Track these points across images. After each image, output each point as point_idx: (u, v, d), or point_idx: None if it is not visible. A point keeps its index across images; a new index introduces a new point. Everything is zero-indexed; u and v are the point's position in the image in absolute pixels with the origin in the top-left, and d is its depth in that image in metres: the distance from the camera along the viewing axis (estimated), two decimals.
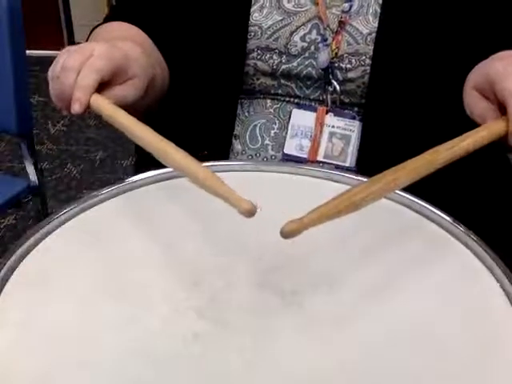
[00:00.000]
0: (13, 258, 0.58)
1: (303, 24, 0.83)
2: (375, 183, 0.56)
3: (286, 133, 0.85)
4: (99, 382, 0.48)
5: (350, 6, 0.82)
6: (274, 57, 0.84)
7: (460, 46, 0.80)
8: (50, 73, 0.71)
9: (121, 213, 0.66)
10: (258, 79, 0.85)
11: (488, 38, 0.79)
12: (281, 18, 0.83)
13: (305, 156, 0.84)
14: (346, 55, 0.82)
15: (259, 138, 0.86)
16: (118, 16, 0.89)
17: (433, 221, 0.65)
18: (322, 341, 0.51)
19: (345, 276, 0.58)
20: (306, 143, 0.84)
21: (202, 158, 0.59)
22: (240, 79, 0.85)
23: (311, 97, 0.85)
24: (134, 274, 0.58)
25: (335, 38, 0.82)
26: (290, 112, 0.85)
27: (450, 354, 0.50)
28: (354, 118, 0.84)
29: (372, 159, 0.82)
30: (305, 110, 0.85)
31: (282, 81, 0.85)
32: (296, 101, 0.86)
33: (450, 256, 0.61)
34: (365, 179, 0.68)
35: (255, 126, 0.86)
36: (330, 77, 0.83)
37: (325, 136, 0.84)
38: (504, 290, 0.56)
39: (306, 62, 0.84)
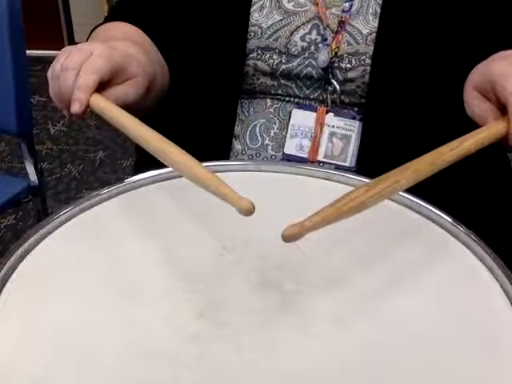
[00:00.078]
0: (13, 258, 0.58)
1: (303, 24, 0.83)
2: (378, 185, 0.56)
3: (286, 133, 0.85)
4: (99, 382, 0.48)
5: (350, 6, 0.82)
6: (274, 57, 0.84)
7: (460, 45, 0.80)
8: (49, 73, 0.71)
9: (121, 213, 0.66)
10: (257, 79, 0.85)
11: (488, 38, 0.79)
12: (281, 17, 0.83)
13: (305, 156, 0.84)
14: (345, 55, 0.82)
15: (259, 137, 0.86)
16: (118, 16, 0.89)
17: (433, 221, 0.65)
18: (322, 341, 0.51)
19: (346, 276, 0.58)
20: (306, 143, 0.84)
21: (202, 157, 0.59)
22: (240, 79, 0.85)
23: (311, 97, 0.85)
24: (133, 274, 0.58)
25: (335, 37, 0.82)
26: (290, 112, 0.85)
27: (451, 354, 0.50)
28: (354, 118, 0.84)
29: (372, 159, 0.82)
30: (305, 109, 0.85)
31: (282, 81, 0.85)
32: (296, 101, 0.86)
33: (450, 256, 0.61)
34: (365, 179, 0.68)
35: (255, 125, 0.86)
36: (330, 77, 0.83)
37: (325, 136, 0.84)
38: (504, 290, 0.56)
39: (306, 62, 0.84)
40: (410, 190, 0.62)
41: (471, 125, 0.67)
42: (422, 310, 0.55)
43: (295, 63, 0.84)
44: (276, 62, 0.84)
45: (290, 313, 0.54)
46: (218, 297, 0.55)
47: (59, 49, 0.75)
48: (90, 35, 0.88)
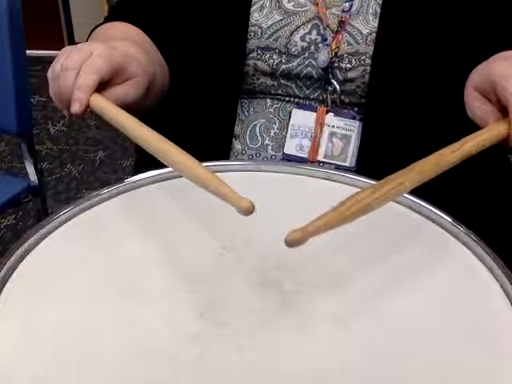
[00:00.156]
0: (13, 258, 0.58)
1: (303, 24, 0.83)
2: (384, 186, 0.56)
3: (286, 133, 0.85)
4: (99, 382, 0.48)
5: (350, 6, 0.82)
6: (274, 57, 0.84)
7: (460, 46, 0.80)
8: (49, 73, 0.71)
9: (121, 213, 0.66)
10: (257, 79, 0.85)
11: (489, 38, 0.79)
12: (281, 17, 0.83)
13: (305, 156, 0.84)
14: (345, 55, 0.82)
15: (259, 137, 0.86)
16: (118, 16, 0.89)
17: (433, 221, 0.65)
18: (322, 341, 0.51)
19: (346, 276, 0.58)
20: (306, 143, 0.84)
21: (202, 157, 0.59)
22: (240, 79, 0.85)
23: (311, 97, 0.85)
24: (133, 274, 0.58)
25: (335, 37, 0.82)
26: (290, 112, 0.85)
27: (451, 355, 0.50)
28: (354, 118, 0.84)
29: (372, 159, 0.82)
30: (305, 109, 0.85)
31: (282, 81, 0.85)
32: (296, 100, 0.86)
33: (450, 256, 0.61)
34: (365, 179, 0.68)
35: (255, 125, 0.86)
36: (330, 77, 0.83)
37: (325, 136, 0.84)
38: (504, 290, 0.56)
39: (306, 62, 0.84)
40: (410, 191, 0.62)
41: (471, 125, 0.67)
42: (422, 310, 0.55)
43: (295, 63, 0.84)
44: (276, 61, 0.84)
45: (290, 313, 0.54)
46: (218, 297, 0.55)
47: (59, 49, 0.75)
48: (89, 35, 0.88)
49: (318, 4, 0.83)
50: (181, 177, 0.62)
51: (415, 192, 0.63)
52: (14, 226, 2.12)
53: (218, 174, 0.56)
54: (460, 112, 0.70)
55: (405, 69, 0.81)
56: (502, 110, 0.65)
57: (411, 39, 0.80)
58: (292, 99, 0.86)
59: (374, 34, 0.81)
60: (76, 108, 0.67)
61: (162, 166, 0.64)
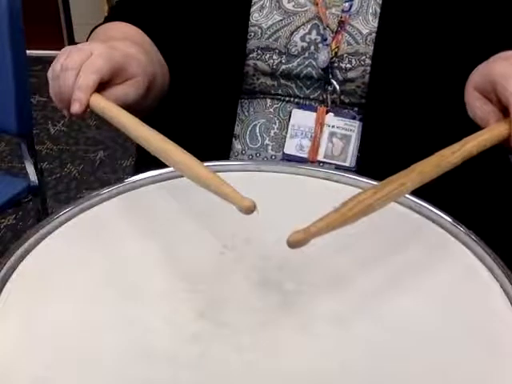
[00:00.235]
0: (13, 258, 0.58)
1: (303, 24, 0.83)
2: (385, 187, 0.56)
3: (286, 133, 0.85)
4: (99, 382, 0.48)
5: (350, 6, 0.82)
6: (274, 57, 0.84)
7: (461, 46, 0.80)
8: (49, 73, 0.71)
9: (121, 213, 0.66)
10: (257, 79, 0.85)
11: (489, 38, 0.79)
12: (281, 18, 0.83)
13: (305, 156, 0.84)
14: (345, 55, 0.82)
15: (259, 137, 0.86)
16: (118, 16, 0.89)
17: (433, 221, 0.65)
18: (322, 341, 0.51)
19: (346, 276, 0.58)
20: (306, 143, 0.84)
21: (202, 157, 0.59)
22: (240, 79, 0.85)
23: (311, 97, 0.85)
24: (133, 274, 0.58)
25: (335, 37, 0.82)
26: (290, 112, 0.85)
27: (451, 355, 0.50)
28: (354, 118, 0.84)
29: (372, 159, 0.82)
30: (305, 109, 0.85)
31: (282, 81, 0.85)
32: (296, 101, 0.86)
33: (450, 256, 0.61)
34: (365, 179, 0.68)
35: (255, 125, 0.86)
36: (330, 77, 0.83)
37: (325, 136, 0.84)
38: (504, 290, 0.56)
39: (306, 62, 0.84)
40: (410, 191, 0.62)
41: (472, 125, 0.67)
42: (422, 310, 0.55)
43: (295, 63, 0.84)
44: (276, 62, 0.84)
45: (290, 313, 0.54)
46: (218, 297, 0.55)
47: (59, 49, 0.75)
48: (89, 35, 0.88)
49: (317, 4, 0.83)
50: (181, 176, 0.62)
51: (415, 192, 0.63)
52: (14, 226, 2.12)
53: (218, 173, 0.56)
54: (460, 112, 0.70)
55: (405, 69, 0.81)
56: (503, 110, 0.65)
57: (411, 39, 0.80)
58: (292, 99, 0.86)
59: (374, 34, 0.81)
60: (76, 108, 0.67)
61: (162, 165, 0.64)
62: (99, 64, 0.68)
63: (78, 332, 0.52)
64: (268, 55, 0.84)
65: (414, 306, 0.55)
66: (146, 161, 0.67)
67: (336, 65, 0.82)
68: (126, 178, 0.70)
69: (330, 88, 0.84)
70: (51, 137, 2.68)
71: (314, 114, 0.84)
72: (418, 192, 0.63)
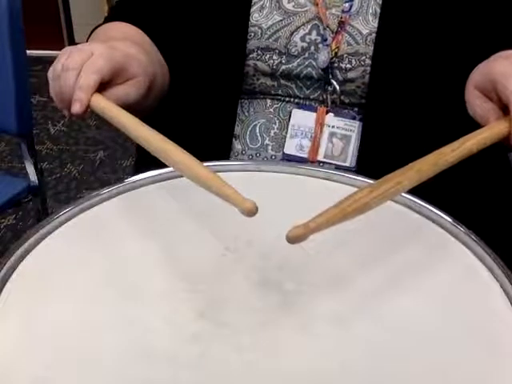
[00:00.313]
0: (13, 258, 0.58)
1: (303, 24, 0.83)
2: (382, 186, 0.56)
3: (286, 133, 0.85)
4: (99, 382, 0.48)
5: (350, 6, 0.82)
6: (274, 57, 0.84)
7: (461, 45, 0.80)
8: (50, 73, 0.71)
9: (121, 213, 0.66)
10: (257, 79, 0.85)
11: (489, 37, 0.79)
12: (281, 18, 0.83)
13: (305, 156, 0.84)
14: (345, 55, 0.82)
15: (259, 137, 0.86)
16: (118, 16, 0.89)
17: (433, 221, 0.65)
18: (322, 341, 0.51)
19: (346, 276, 0.58)
20: (306, 143, 0.84)
21: (202, 157, 0.59)
22: (240, 79, 0.85)
23: (311, 97, 0.85)
24: (134, 274, 0.58)
25: (335, 38, 0.82)
26: (290, 112, 0.85)
27: (451, 355, 0.50)
28: (354, 118, 0.84)
29: (372, 159, 0.82)
30: (305, 110, 0.85)
31: (282, 81, 0.85)
32: (296, 101, 0.86)
33: (450, 256, 0.61)
34: (365, 179, 0.68)
35: (255, 125, 0.86)
36: (330, 77, 0.83)
37: (325, 136, 0.84)
38: (504, 290, 0.56)
39: (306, 63, 0.84)
40: (410, 190, 0.62)
41: (472, 125, 0.67)
42: (422, 310, 0.55)
43: (295, 63, 0.84)
44: (276, 62, 0.84)
45: (290, 313, 0.54)
46: (218, 297, 0.55)
47: (59, 49, 0.75)
48: (90, 35, 0.89)
49: (317, 4, 0.83)
50: (181, 177, 0.62)
51: (415, 192, 0.63)
52: (14, 226, 2.12)
53: (218, 174, 0.56)
54: (460, 111, 0.71)
55: (405, 69, 0.81)
56: (503, 109, 0.66)
57: (411, 39, 0.80)
58: (292, 99, 0.86)
59: (374, 35, 0.81)
60: (77, 108, 0.67)
61: (162, 165, 0.64)
62: (100, 64, 0.68)
63: (78, 332, 0.52)
64: (268, 55, 0.84)
65: (414, 306, 0.55)
66: (146, 161, 0.67)
67: (336, 65, 0.82)
68: (126, 178, 0.70)
69: (329, 88, 0.84)
70: (51, 137, 2.68)
71: (314, 114, 0.84)
72: (417, 192, 0.63)
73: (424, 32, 0.80)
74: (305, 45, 0.83)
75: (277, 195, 0.69)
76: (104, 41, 0.76)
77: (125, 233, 0.63)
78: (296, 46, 0.83)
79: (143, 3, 0.90)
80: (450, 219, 0.64)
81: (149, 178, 0.71)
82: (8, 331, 0.52)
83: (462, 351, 0.51)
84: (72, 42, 3.32)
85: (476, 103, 0.68)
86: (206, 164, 0.58)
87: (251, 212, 0.51)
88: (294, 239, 0.49)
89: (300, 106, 0.85)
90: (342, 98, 0.84)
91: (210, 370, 0.48)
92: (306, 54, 0.83)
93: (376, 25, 0.81)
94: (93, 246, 0.61)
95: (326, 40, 0.82)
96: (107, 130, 2.61)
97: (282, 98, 0.86)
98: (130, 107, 0.70)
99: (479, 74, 0.69)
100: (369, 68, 0.81)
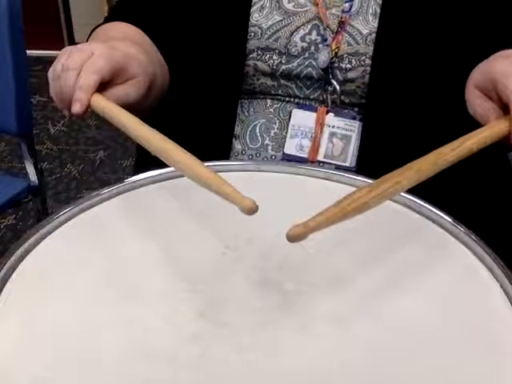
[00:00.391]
0: (13, 258, 0.58)
1: (303, 24, 0.83)
2: (381, 185, 0.56)
3: (286, 133, 0.85)
4: (99, 382, 0.48)
5: (350, 6, 0.82)
6: (274, 57, 0.84)
7: (461, 45, 0.80)
8: (50, 73, 0.71)
9: (121, 213, 0.66)
10: (258, 79, 0.85)
11: (489, 37, 0.79)
12: (281, 18, 0.83)
13: (305, 156, 0.84)
14: (345, 55, 0.82)
15: (259, 137, 0.86)
16: (118, 16, 0.89)
17: (433, 221, 0.65)
18: (322, 341, 0.51)
19: (346, 276, 0.58)
20: (307, 143, 0.84)
21: (202, 157, 0.59)
22: (240, 79, 0.85)
23: (311, 97, 0.85)
24: (134, 274, 0.58)
25: (335, 38, 0.82)
26: (290, 112, 0.85)
27: (451, 355, 0.50)
28: (354, 118, 0.84)
29: (372, 159, 0.82)
30: (305, 110, 0.85)
31: (282, 81, 0.85)
32: (296, 101, 0.86)
33: (450, 256, 0.61)
34: (365, 179, 0.68)
35: (255, 125, 0.86)
36: (330, 77, 0.83)
37: (325, 136, 0.84)
38: (504, 290, 0.56)
39: (306, 63, 0.84)
40: (410, 190, 0.62)
41: (473, 124, 0.67)
42: (422, 310, 0.55)
43: (295, 64, 0.84)
44: (276, 62, 0.84)
45: (290, 313, 0.54)
46: (218, 297, 0.55)
47: (59, 49, 0.75)
48: (90, 35, 0.89)
49: (317, 4, 0.83)
50: (181, 176, 0.62)
51: (415, 192, 0.64)
52: (14, 226, 2.12)
53: (218, 173, 0.56)
54: (461, 110, 0.71)
55: (405, 69, 0.81)
56: (503, 108, 0.66)
57: (411, 39, 0.80)
58: (292, 99, 0.86)
59: (374, 35, 0.81)
60: (77, 108, 0.67)
61: (162, 165, 0.64)
62: (100, 64, 0.68)
63: (78, 332, 0.52)
64: (268, 55, 0.84)
65: (414, 306, 0.55)
66: (146, 161, 0.67)
67: (336, 65, 0.82)
68: (126, 178, 0.70)
69: (330, 88, 0.84)
70: (51, 137, 2.68)
71: (314, 114, 0.84)
72: (417, 191, 0.63)
73: (424, 32, 0.80)
74: (305, 45, 0.83)
75: (277, 195, 0.69)
76: (104, 41, 0.76)
77: (125, 233, 0.63)
78: (296, 45, 0.83)
79: (143, 3, 0.90)
80: (449, 219, 0.64)
81: (149, 177, 0.71)
82: (8, 331, 0.52)
83: (462, 351, 0.51)
84: (72, 42, 3.32)
85: (476, 102, 0.68)
86: (206, 164, 0.58)
87: (251, 210, 0.51)
88: (293, 238, 0.49)
89: (300, 106, 0.85)
90: (342, 97, 0.84)
91: (210, 370, 0.48)
92: (306, 54, 0.83)
93: (376, 25, 0.81)
94: (93, 246, 0.61)
95: (326, 40, 0.82)
96: (107, 130, 2.61)
97: (282, 98, 0.86)
98: (130, 107, 0.70)
99: (479, 73, 0.69)
100: (369, 68, 0.81)
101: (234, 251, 0.60)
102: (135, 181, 0.70)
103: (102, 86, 0.69)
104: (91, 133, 2.69)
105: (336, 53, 0.82)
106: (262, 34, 0.83)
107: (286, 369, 0.49)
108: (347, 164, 0.83)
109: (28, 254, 0.60)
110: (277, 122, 0.86)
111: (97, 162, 2.51)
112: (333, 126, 0.84)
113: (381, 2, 0.82)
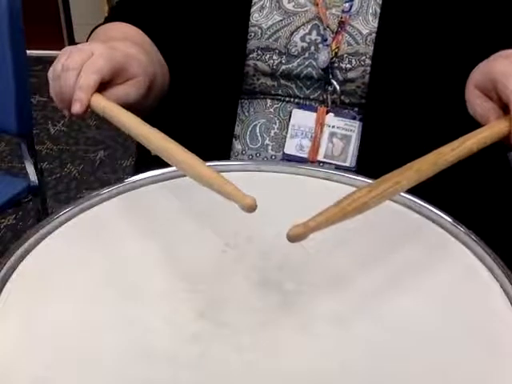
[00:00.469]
0: (13, 258, 0.58)
1: (303, 24, 0.83)
2: (381, 185, 0.56)
3: (287, 133, 0.85)
4: (99, 382, 0.48)
5: (350, 6, 0.82)
6: (274, 57, 0.84)
7: (461, 45, 0.80)
8: (50, 73, 0.71)
9: (121, 213, 0.66)
10: (258, 79, 0.85)
11: (489, 37, 0.79)
12: (281, 18, 0.83)
13: (305, 156, 0.84)
14: (345, 55, 0.82)
15: (259, 137, 0.86)
16: (118, 16, 0.89)
17: (433, 221, 0.65)
18: (322, 341, 0.51)
19: (346, 276, 0.58)
20: (307, 143, 0.84)
21: (202, 157, 0.59)
22: (240, 79, 0.85)
23: (311, 97, 0.85)
24: (134, 274, 0.58)
25: (335, 38, 0.82)
26: (291, 112, 0.85)
27: (451, 355, 0.50)
28: (354, 118, 0.84)
29: (372, 159, 0.82)
30: (305, 109, 0.85)
31: (282, 81, 0.85)
32: (296, 101, 0.86)
33: (450, 256, 0.61)
34: (365, 179, 0.68)
35: (255, 125, 0.86)
36: (330, 77, 0.83)
37: (325, 136, 0.84)
38: (504, 290, 0.56)
39: (306, 63, 0.84)
40: (410, 190, 0.62)
41: (472, 124, 0.67)
42: (422, 310, 0.55)
43: (295, 64, 0.84)
44: (276, 62, 0.84)
45: (290, 313, 0.54)
46: (218, 297, 0.55)
47: (59, 49, 0.75)
48: (90, 35, 0.89)
49: (318, 4, 0.83)
50: (181, 176, 0.62)
51: (415, 192, 0.64)
52: (14, 226, 2.12)
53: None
54: (461, 110, 0.71)
55: (405, 69, 0.81)
56: (503, 108, 0.66)
57: (411, 39, 0.80)
58: (292, 99, 0.86)
59: (374, 35, 0.81)
60: (77, 108, 0.67)
61: (162, 165, 0.64)
62: (100, 64, 0.68)
63: (78, 332, 0.52)
64: (268, 55, 0.84)
65: (414, 306, 0.55)
66: (146, 161, 0.67)
67: (336, 65, 0.82)
68: (126, 178, 0.70)
69: (330, 88, 0.84)
70: (51, 137, 2.68)
71: (314, 114, 0.84)
72: (417, 191, 0.63)
73: (424, 32, 0.80)
74: (305, 45, 0.83)
75: (277, 195, 0.69)
76: (104, 41, 0.76)
77: (125, 233, 0.63)
78: (296, 46, 0.83)
79: (143, 3, 0.90)
80: (450, 219, 0.64)
81: (149, 177, 0.71)
82: (8, 331, 0.52)
83: (462, 351, 0.51)
84: (72, 42, 3.32)
85: (476, 102, 0.68)
86: (206, 164, 0.58)
87: (251, 208, 0.51)
88: (294, 238, 0.49)
89: (300, 106, 0.85)
90: (342, 97, 0.84)
91: (210, 370, 0.48)
92: (306, 54, 0.83)
93: (376, 25, 0.81)
94: (93, 246, 0.61)
95: (326, 40, 0.82)
96: (107, 130, 2.61)
97: (282, 98, 0.86)
98: (130, 107, 0.70)
99: (479, 73, 0.69)
100: (369, 68, 0.81)
101: (234, 249, 0.60)
102: (135, 181, 0.70)
103: (102, 86, 0.69)
104: (91, 133, 2.69)
105: (336, 53, 0.82)
106: (262, 34, 0.83)
107: (286, 369, 0.49)
108: (347, 164, 0.83)
109: (28, 254, 0.60)
110: (277, 122, 0.86)
111: (97, 162, 2.51)
112: (333, 126, 0.84)
113: (381, 2, 0.82)
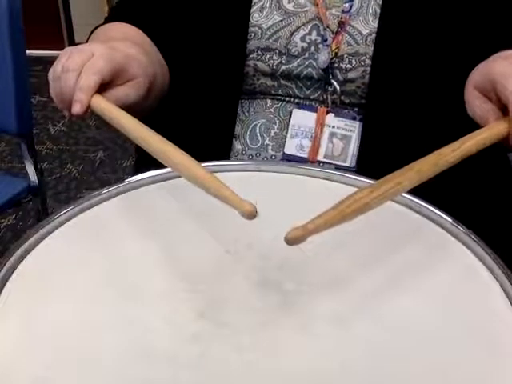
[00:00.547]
0: (13, 258, 0.58)
1: (303, 24, 0.83)
2: (382, 186, 0.56)
3: (287, 133, 0.85)
4: (99, 382, 0.48)
5: (350, 7, 0.82)
6: (274, 57, 0.84)
7: (460, 45, 0.80)
8: (50, 74, 0.71)
9: (121, 213, 0.66)
10: (258, 79, 0.85)
11: (488, 38, 0.79)
12: (281, 18, 0.83)
13: (305, 156, 0.84)
14: (345, 55, 0.82)
15: (259, 137, 0.86)
16: (119, 16, 0.89)
17: (433, 221, 0.65)
18: (322, 341, 0.51)
19: (346, 276, 0.58)
20: (307, 143, 0.84)
21: (202, 157, 0.59)
22: (240, 79, 0.85)
23: (311, 97, 0.85)
24: (134, 274, 0.58)
25: (335, 38, 0.82)
26: (291, 112, 0.85)
27: (451, 355, 0.50)
28: (354, 119, 0.84)
29: (372, 159, 0.82)
30: (305, 110, 0.85)
31: (282, 81, 0.85)
32: (296, 101, 0.86)
33: (450, 256, 0.61)
34: (365, 179, 0.68)
35: (255, 125, 0.86)
36: (330, 77, 0.83)
37: (325, 136, 0.84)
38: (504, 290, 0.56)
39: (306, 63, 0.84)
40: (410, 191, 0.62)
41: (472, 125, 0.67)
42: (422, 310, 0.55)
43: (295, 64, 0.84)
44: (276, 62, 0.84)
45: (290, 313, 0.54)
46: (218, 297, 0.55)
47: (59, 49, 0.75)
48: (90, 36, 0.89)
49: (318, 5, 0.83)
50: (181, 177, 0.62)
51: (415, 192, 0.64)
52: (14, 226, 2.12)
53: (217, 173, 0.56)
54: (460, 111, 0.71)
55: (405, 69, 0.81)
56: (503, 109, 0.66)
57: (411, 39, 0.80)
58: (292, 100, 0.86)
59: (374, 35, 0.81)
60: (77, 109, 0.67)
61: (162, 166, 0.64)
62: (100, 65, 0.68)
63: (78, 332, 0.52)
64: (268, 56, 0.84)
65: (414, 306, 0.55)
66: (146, 161, 0.67)
67: (336, 65, 0.82)
68: (126, 178, 0.70)
69: (330, 88, 0.84)
70: (51, 137, 2.68)
71: (315, 115, 0.84)
72: (417, 192, 0.63)
73: (424, 32, 0.80)
74: (305, 45, 0.83)
75: (277, 195, 0.69)
76: (104, 41, 0.76)
77: (125, 233, 0.63)
78: (296, 46, 0.83)
79: (143, 3, 0.90)
80: (450, 219, 0.64)
81: (149, 178, 0.71)
82: (8, 331, 0.52)
83: (462, 351, 0.51)
84: (72, 42, 3.32)
85: (475, 103, 0.68)
86: (205, 164, 0.58)
87: (251, 215, 0.51)
88: (292, 241, 0.49)
89: (300, 106, 0.85)
90: (343, 98, 0.84)
91: (210, 370, 0.48)
92: (306, 54, 0.83)
93: (376, 25, 0.81)
94: (93, 246, 0.61)
95: (326, 40, 0.82)
96: (107, 130, 2.61)
97: (282, 98, 0.86)
98: (129, 108, 0.70)
99: (479, 74, 0.69)
100: (369, 68, 0.81)
101: (234, 255, 0.60)
102: (135, 181, 0.70)
103: (102, 87, 0.69)
104: (91, 133, 2.69)
105: (336, 53, 0.82)
106: (262, 34, 0.83)
107: (286, 369, 0.49)
108: (347, 164, 0.83)
109: (28, 254, 0.60)
110: (277, 122, 0.86)
111: (97, 162, 2.51)
112: (333, 126, 0.84)
113: (381, 2, 0.82)
